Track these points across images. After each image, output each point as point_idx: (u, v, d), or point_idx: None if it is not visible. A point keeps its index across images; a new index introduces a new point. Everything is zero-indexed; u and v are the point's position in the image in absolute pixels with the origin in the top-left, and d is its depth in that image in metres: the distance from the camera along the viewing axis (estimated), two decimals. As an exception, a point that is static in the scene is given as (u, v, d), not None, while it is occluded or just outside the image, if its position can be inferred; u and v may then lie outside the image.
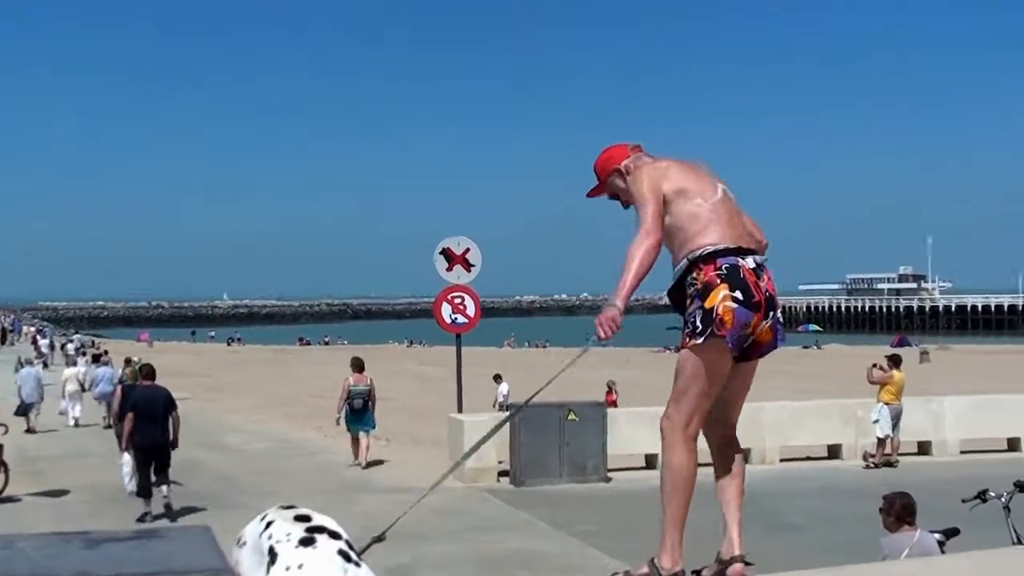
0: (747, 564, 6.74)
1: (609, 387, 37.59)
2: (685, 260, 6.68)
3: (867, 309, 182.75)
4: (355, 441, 26.29)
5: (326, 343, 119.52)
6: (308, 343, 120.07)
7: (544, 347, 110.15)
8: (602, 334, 6.55)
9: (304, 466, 25.83)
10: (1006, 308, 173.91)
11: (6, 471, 21.73)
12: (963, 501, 11.66)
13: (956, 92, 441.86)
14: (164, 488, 20.21)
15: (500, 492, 21.43)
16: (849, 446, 25.65)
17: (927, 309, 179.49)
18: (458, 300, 25.35)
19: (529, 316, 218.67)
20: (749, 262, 6.57)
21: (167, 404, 20.60)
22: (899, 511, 10.76)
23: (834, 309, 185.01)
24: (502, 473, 22.73)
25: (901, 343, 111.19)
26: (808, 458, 25.66)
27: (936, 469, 24.27)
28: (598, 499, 20.80)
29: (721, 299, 6.43)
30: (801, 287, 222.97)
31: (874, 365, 25.67)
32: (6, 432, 22.71)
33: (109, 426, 33.85)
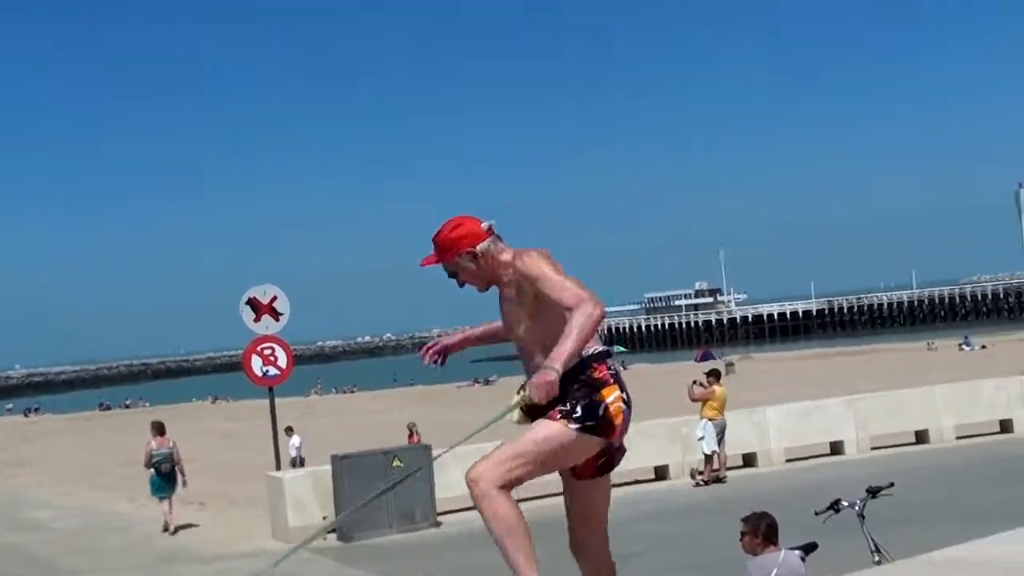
0: None
1: (410, 429, 36.88)
2: (578, 357, 6.26)
3: (667, 326, 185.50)
4: (164, 505, 25.34)
5: (127, 406, 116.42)
6: (109, 407, 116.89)
7: (353, 391, 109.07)
8: (537, 398, 6.07)
9: (119, 540, 24.55)
10: (800, 314, 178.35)
11: None
12: (816, 513, 11.25)
13: (737, 108, 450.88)
14: None
15: (328, 550, 20.40)
16: (676, 465, 25.34)
17: (725, 322, 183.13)
18: (268, 351, 24.39)
19: (334, 361, 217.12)
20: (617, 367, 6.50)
21: None
22: (765, 532, 10.28)
23: (635, 328, 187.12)
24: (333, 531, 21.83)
25: (705, 357, 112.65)
26: (636, 481, 25.25)
27: (765, 480, 24.17)
28: (431, 547, 20.07)
29: (615, 399, 6.27)
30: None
31: (694, 382, 25.41)
32: None
33: None
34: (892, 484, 12.66)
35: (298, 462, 35.65)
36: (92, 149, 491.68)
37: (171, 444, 26.15)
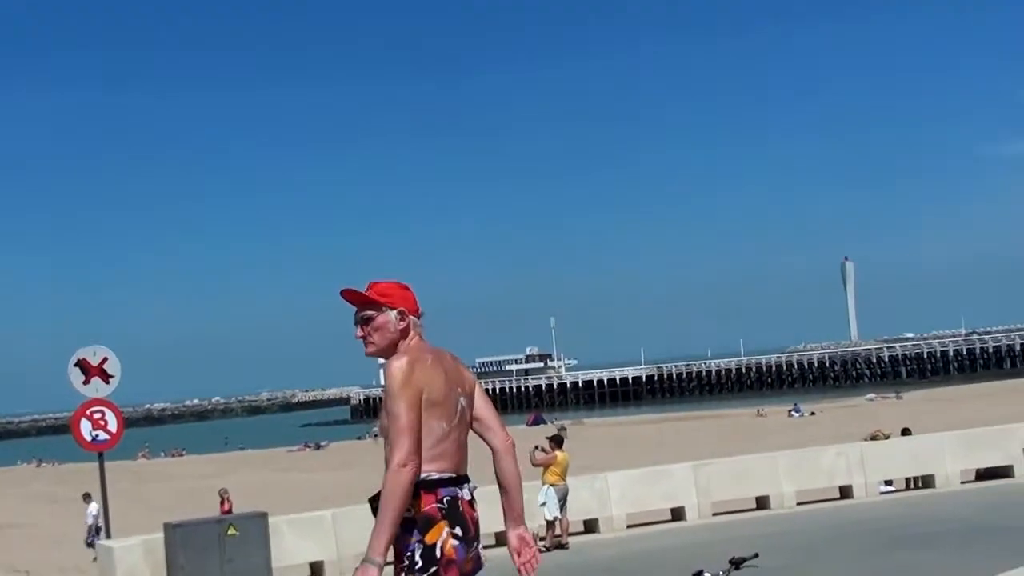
0: None
1: (221, 496, 36.18)
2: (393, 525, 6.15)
3: (498, 390, 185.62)
4: None
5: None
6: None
7: (182, 455, 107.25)
8: None
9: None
10: (631, 380, 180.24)
11: None
12: None
13: (555, 173, 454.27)
14: None
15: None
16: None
17: (556, 386, 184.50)
18: (98, 415, 23.63)
19: (161, 424, 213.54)
20: (466, 492, 6.33)
21: None
22: None
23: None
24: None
25: (536, 421, 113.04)
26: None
27: (607, 547, 24.02)
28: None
29: (445, 536, 6.15)
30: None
31: (536, 447, 25.14)
32: None
33: None
34: (756, 555, 12.52)
35: (93, 530, 34.68)
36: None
37: None
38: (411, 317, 6.52)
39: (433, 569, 6.16)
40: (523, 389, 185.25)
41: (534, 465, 24.55)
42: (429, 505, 6.20)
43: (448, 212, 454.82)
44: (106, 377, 23.87)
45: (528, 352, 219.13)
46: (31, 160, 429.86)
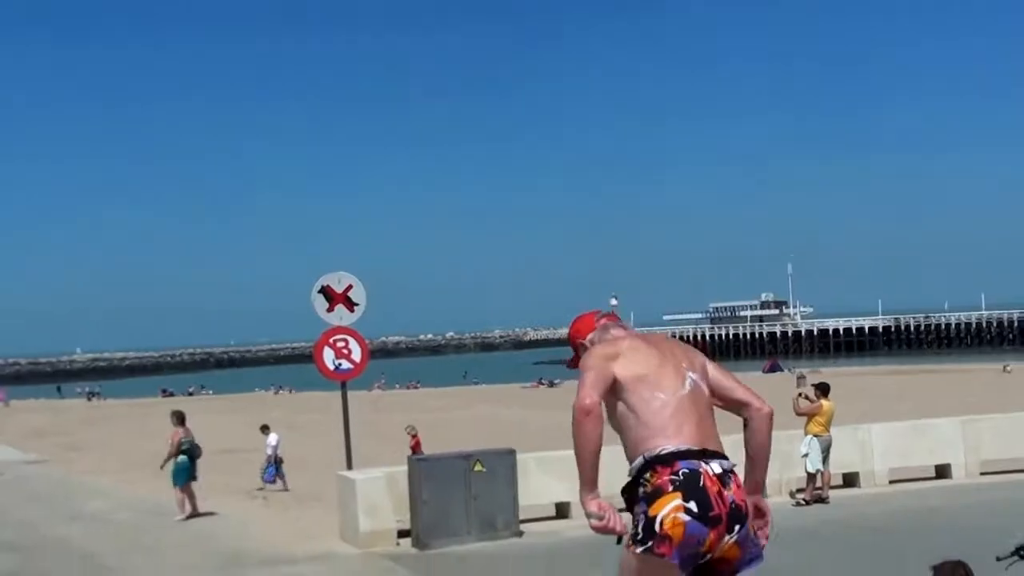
0: None
1: (410, 433, 35.21)
2: (641, 458, 6.11)
3: (731, 336, 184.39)
4: (188, 495, 25.50)
5: (190, 394, 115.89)
6: (171, 394, 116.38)
7: (416, 387, 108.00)
8: (601, 526, 6.04)
9: (177, 537, 23.07)
10: (866, 330, 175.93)
11: None
12: (998, 559, 9.51)
13: (814, 117, 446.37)
14: None
15: (403, 558, 18.87)
16: (773, 482, 23.56)
17: (790, 334, 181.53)
18: (341, 344, 22.93)
19: (396, 357, 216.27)
20: (715, 467, 5.94)
21: None
22: None
23: (699, 337, 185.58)
24: (402, 533, 20.26)
25: (773, 368, 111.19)
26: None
27: (870, 503, 22.55)
28: (514, 559, 18.45)
29: (670, 510, 5.83)
30: (665, 317, 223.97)
31: (800, 395, 23.71)
32: None
33: None
34: None
35: (274, 461, 34.30)
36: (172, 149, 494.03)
37: (192, 434, 26.20)
38: (591, 336, 6.73)
39: (649, 543, 5.88)
40: (756, 336, 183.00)
41: (797, 414, 23.17)
42: (664, 478, 5.92)
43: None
44: (350, 305, 23.15)
45: (763, 298, 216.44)
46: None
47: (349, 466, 22.82)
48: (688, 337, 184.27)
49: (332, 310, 23.01)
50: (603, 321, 6.82)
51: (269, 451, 34.52)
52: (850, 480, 24.58)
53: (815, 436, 22.69)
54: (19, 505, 27.69)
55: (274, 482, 33.48)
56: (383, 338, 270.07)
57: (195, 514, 25.20)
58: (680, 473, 5.87)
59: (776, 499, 23.17)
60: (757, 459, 6.54)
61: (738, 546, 6.05)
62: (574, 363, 6.69)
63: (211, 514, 25.48)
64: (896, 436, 25.16)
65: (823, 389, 23.36)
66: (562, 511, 21.90)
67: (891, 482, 24.53)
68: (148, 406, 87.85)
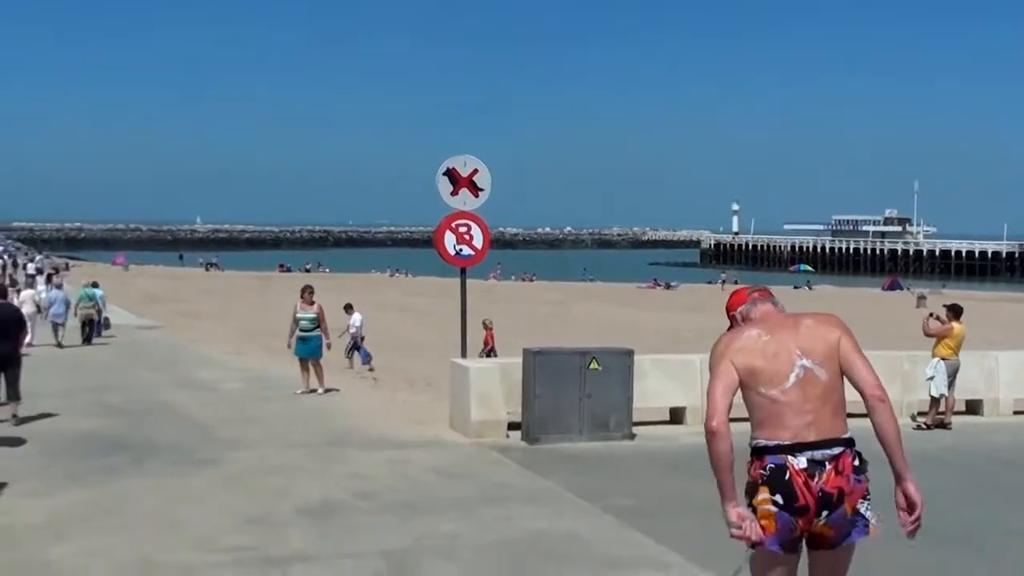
0: None
1: (485, 326, 34.67)
2: (749, 447, 6.79)
3: (852, 251, 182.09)
4: (304, 369, 25.69)
5: (307, 270, 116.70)
6: (289, 270, 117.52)
7: (531, 280, 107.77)
8: (740, 534, 6.61)
9: (284, 411, 22.98)
10: (990, 255, 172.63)
11: None
12: None
13: (949, 32, 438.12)
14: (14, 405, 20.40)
15: (512, 451, 18.53)
16: (895, 403, 22.80)
17: (911, 253, 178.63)
18: (464, 229, 22.48)
19: (513, 248, 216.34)
20: (801, 461, 6.48)
21: (18, 322, 21.03)
22: None
23: (819, 250, 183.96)
24: (512, 426, 19.92)
25: (893, 286, 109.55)
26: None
27: (994, 432, 21.81)
28: (625, 462, 17.98)
29: (761, 501, 6.52)
30: (786, 227, 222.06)
31: (931, 315, 22.88)
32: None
33: (60, 346, 32.55)
34: None
35: (357, 340, 34.12)
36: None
37: (317, 308, 26.19)
38: (741, 309, 7.15)
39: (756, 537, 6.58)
40: (878, 252, 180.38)
41: (927, 335, 22.40)
42: (755, 472, 6.63)
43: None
44: (475, 190, 22.67)
45: (887, 214, 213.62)
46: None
47: (463, 354, 22.52)
48: (808, 248, 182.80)
49: (456, 194, 22.56)
50: (754, 295, 7.21)
51: (353, 331, 34.42)
52: (973, 407, 23.80)
53: (942, 359, 21.92)
54: (132, 370, 27.83)
55: (366, 363, 33.50)
56: (501, 229, 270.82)
57: (310, 390, 25.32)
58: (768, 468, 6.53)
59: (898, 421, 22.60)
60: (887, 447, 6.86)
61: (831, 527, 6.66)
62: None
63: (323, 392, 25.36)
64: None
65: (955, 311, 22.49)
66: (676, 416, 21.48)
67: (1015, 412, 23.74)
68: (265, 279, 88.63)
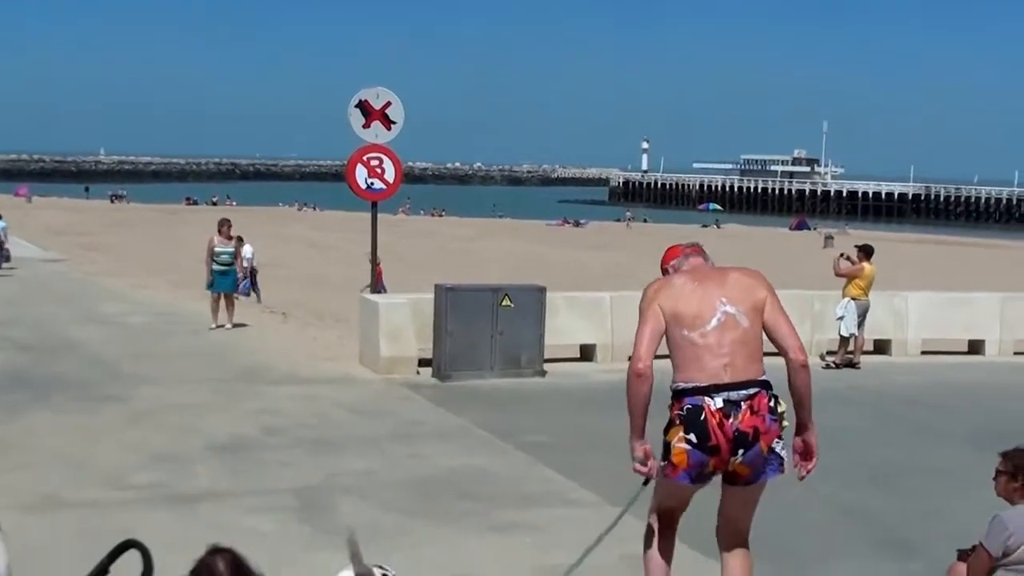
0: None
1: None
2: (670, 389, 7.08)
3: (760, 190, 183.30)
4: (216, 302, 25.29)
5: (214, 203, 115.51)
6: (195, 203, 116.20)
7: (441, 215, 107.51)
8: (643, 470, 7.04)
9: (190, 346, 22.71)
10: (896, 196, 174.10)
11: None
12: None
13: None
14: None
15: (423, 387, 18.43)
16: (805, 343, 23.05)
17: (819, 193, 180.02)
18: (375, 162, 22.20)
19: (423, 183, 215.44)
20: (717, 402, 6.75)
21: None
22: None
23: (728, 189, 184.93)
24: (423, 362, 19.81)
25: (801, 226, 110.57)
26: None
27: (901, 372, 22.06)
28: (536, 398, 17.96)
29: (676, 439, 6.85)
30: (695, 165, 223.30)
31: (842, 255, 22.99)
32: None
33: None
34: None
35: (249, 272, 33.87)
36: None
37: (233, 244, 26.15)
38: (672, 263, 7.50)
39: (664, 463, 7.03)
40: (785, 191, 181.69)
41: (837, 275, 22.52)
42: (673, 412, 6.94)
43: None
44: (388, 123, 22.38)
45: (795, 154, 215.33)
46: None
47: (373, 289, 22.35)
48: (716, 188, 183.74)
49: (368, 126, 22.23)
50: (687, 251, 7.54)
51: (245, 263, 34.08)
52: (881, 347, 24.01)
53: (852, 299, 22.04)
54: (35, 303, 27.35)
55: (248, 295, 33.24)
56: (411, 163, 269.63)
57: (219, 326, 25.02)
58: (684, 409, 6.82)
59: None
60: (798, 403, 7.19)
61: (747, 466, 7.01)
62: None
63: (231, 327, 25.11)
64: (932, 307, 24.52)
65: (866, 251, 22.57)
66: (586, 353, 21.48)
67: (923, 353, 23.97)
68: (171, 212, 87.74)
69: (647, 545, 7.47)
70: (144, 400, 17.15)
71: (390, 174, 22.29)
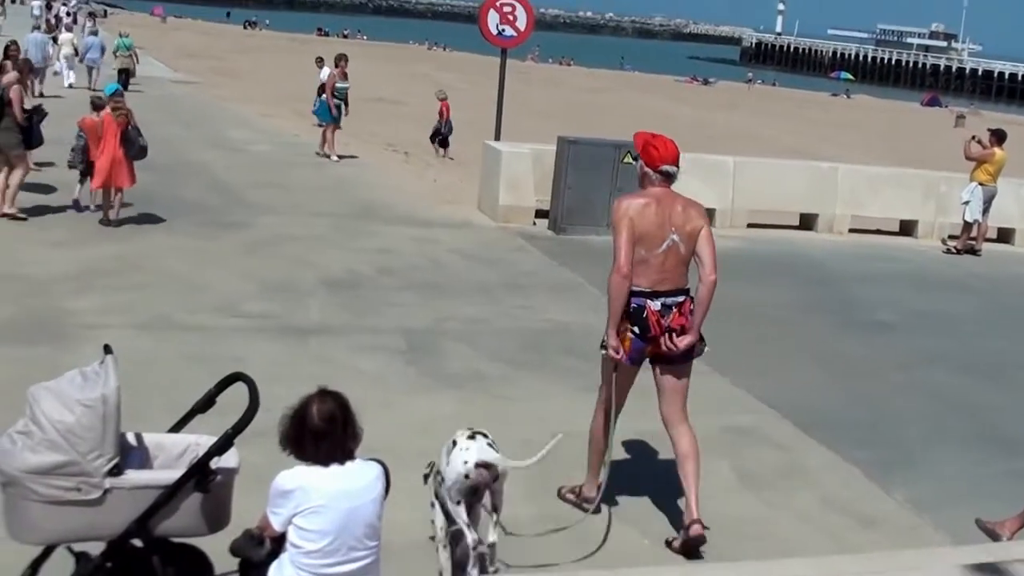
0: (704, 527, 8.09)
1: (438, 97, 33.48)
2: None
3: (894, 62, 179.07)
4: (327, 131, 26.18)
5: (345, 36, 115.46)
6: (327, 34, 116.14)
7: (569, 64, 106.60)
8: (611, 353, 8.30)
9: (312, 178, 22.86)
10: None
11: None
12: None
13: None
14: None
15: (537, 239, 18.42)
16: (926, 223, 22.73)
17: (954, 70, 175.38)
18: (508, 9, 22.00)
19: (553, 31, 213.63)
20: (656, 304, 8.26)
21: None
22: None
23: (861, 58, 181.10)
24: (539, 213, 19.80)
25: (932, 102, 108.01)
26: (879, 231, 22.82)
27: (1021, 263, 21.62)
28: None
29: (623, 331, 8.26)
30: (830, 32, 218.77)
31: (973, 137, 22.40)
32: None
33: (94, 90, 32.15)
34: None
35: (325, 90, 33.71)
36: None
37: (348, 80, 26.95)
38: (648, 171, 8.42)
39: (603, 349, 8.39)
40: (919, 65, 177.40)
41: (967, 158, 21.99)
42: (627, 309, 8.23)
43: None
44: (521, -31, 22.17)
45: (933, 28, 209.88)
46: None
47: (497, 136, 22.29)
48: (850, 56, 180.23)
49: (502, -28, 22.06)
50: (653, 174, 8.41)
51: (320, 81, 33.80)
52: (1005, 236, 23.57)
53: (980, 184, 21.57)
54: (162, 124, 27.53)
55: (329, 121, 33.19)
56: (541, 10, 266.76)
57: (322, 153, 25.80)
58: (632, 307, 8.23)
59: (925, 241, 22.44)
60: (697, 304, 8.36)
61: (675, 352, 8.38)
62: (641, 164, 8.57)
63: (352, 157, 25.32)
64: (1062, 194, 23.95)
65: (999, 136, 22.01)
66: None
67: (1049, 243, 23.52)
68: (302, 42, 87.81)
69: (594, 422, 8.69)
70: (263, 229, 17.35)
71: (522, 22, 22.11)
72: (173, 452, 6.35)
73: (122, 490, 5.79)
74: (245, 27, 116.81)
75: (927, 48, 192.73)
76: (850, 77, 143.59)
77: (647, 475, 9.36)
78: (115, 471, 5.75)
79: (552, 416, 10.03)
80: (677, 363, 8.48)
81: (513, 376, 11.46)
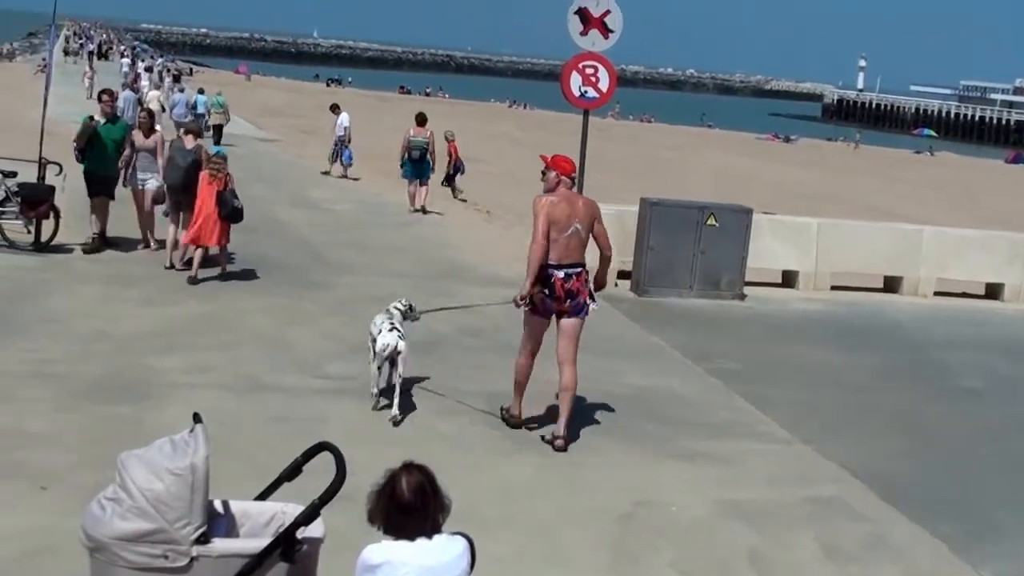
0: (567, 441, 11.19)
1: (447, 138, 32.99)
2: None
3: (978, 119, 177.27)
4: (412, 188, 27.41)
5: (427, 94, 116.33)
6: (409, 92, 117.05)
7: (650, 121, 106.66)
8: (519, 302, 11.34)
9: (394, 238, 23.00)
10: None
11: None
12: None
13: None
14: None
15: (620, 301, 18.37)
16: (1012, 287, 22.44)
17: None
18: (591, 70, 22.01)
19: (633, 87, 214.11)
20: (560, 273, 11.14)
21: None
22: None
23: (944, 115, 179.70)
24: (621, 274, 19.76)
25: (1017, 159, 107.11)
26: (964, 295, 22.58)
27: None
28: (734, 322, 17.82)
29: (536, 292, 11.14)
30: (912, 88, 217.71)
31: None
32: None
33: None
34: None
35: (345, 142, 33.63)
36: None
37: (428, 135, 27.92)
38: (563, 177, 11.36)
39: (529, 307, 11.30)
40: (1004, 122, 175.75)
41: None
42: (540, 276, 11.07)
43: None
44: (605, 31, 22.11)
45: (1017, 83, 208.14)
46: None
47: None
48: (933, 112, 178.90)
49: (586, 34, 22.01)
50: (564, 179, 11.42)
51: (340, 132, 33.89)
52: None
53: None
54: (245, 182, 27.69)
55: (351, 165, 33.39)
56: (622, 66, 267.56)
57: (412, 209, 27.01)
58: (543, 275, 11.06)
59: (1012, 305, 22.10)
60: (598, 275, 11.75)
61: (571, 307, 11.32)
62: (547, 176, 11.52)
63: (435, 214, 25.52)
64: None
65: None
66: (788, 279, 21.19)
67: None
68: (385, 100, 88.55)
69: (519, 359, 11.73)
70: (345, 289, 17.48)
71: (604, 83, 22.08)
72: (260, 520, 6.38)
73: (208, 558, 5.81)
74: (328, 84, 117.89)
75: (1011, 104, 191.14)
76: (933, 133, 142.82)
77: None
78: (202, 539, 5.79)
79: (629, 483, 10.03)
80: (572, 316, 11.33)
81: (594, 441, 11.46)
